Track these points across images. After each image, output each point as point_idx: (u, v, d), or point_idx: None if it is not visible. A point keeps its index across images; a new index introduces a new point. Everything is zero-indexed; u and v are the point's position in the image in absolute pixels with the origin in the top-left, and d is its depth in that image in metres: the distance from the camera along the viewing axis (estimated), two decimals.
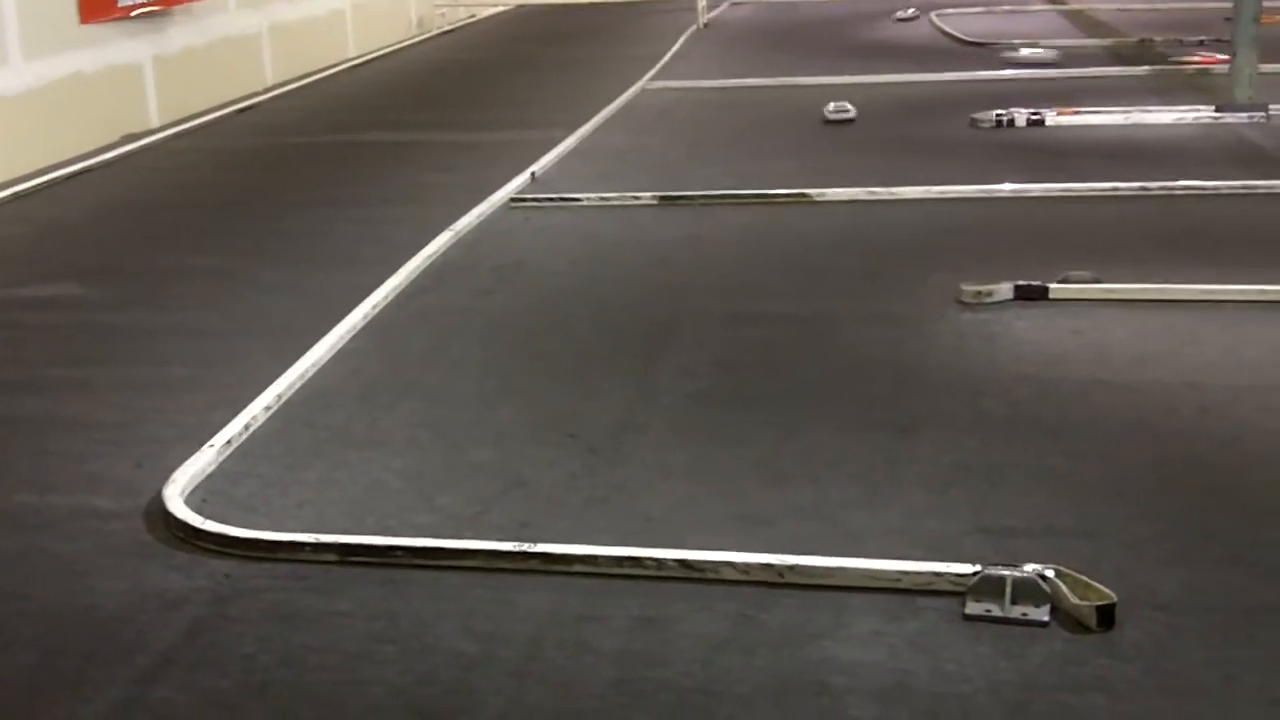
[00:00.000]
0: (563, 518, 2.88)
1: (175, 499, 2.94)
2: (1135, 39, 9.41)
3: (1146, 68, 8.25)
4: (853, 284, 4.43)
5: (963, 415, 3.34)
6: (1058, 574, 2.47)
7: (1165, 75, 8.04)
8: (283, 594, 2.61)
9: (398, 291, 4.42)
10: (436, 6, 12.08)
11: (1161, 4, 11.28)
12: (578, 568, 2.64)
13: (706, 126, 7.15)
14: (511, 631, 2.45)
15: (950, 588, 2.51)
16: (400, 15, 11.37)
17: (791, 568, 2.58)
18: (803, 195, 5.44)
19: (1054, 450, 3.13)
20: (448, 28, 12.10)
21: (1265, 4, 7.20)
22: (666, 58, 9.52)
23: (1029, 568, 2.49)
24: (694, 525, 2.82)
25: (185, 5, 7.81)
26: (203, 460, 3.14)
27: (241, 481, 3.11)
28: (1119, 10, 11.18)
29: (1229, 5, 7.28)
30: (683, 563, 2.61)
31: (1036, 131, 6.63)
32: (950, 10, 11.39)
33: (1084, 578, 2.46)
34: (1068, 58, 8.76)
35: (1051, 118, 6.72)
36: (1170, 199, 5.26)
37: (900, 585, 2.53)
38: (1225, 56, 7.99)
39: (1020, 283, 4.12)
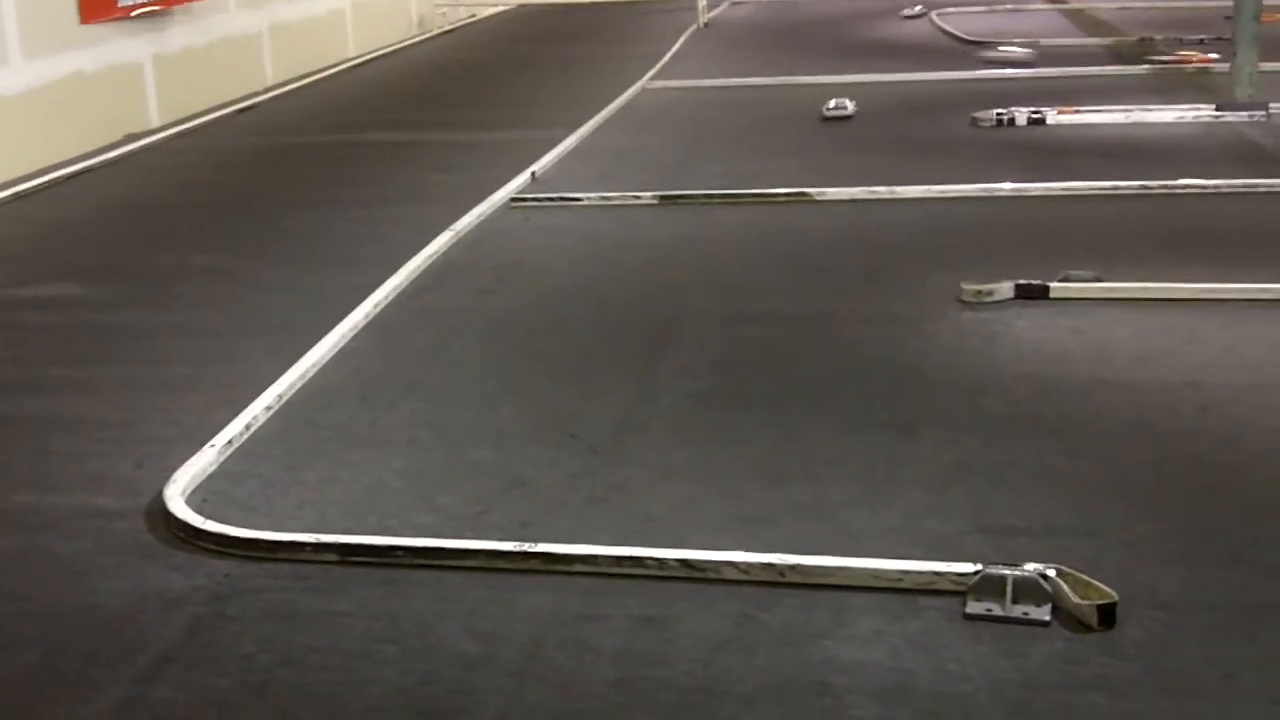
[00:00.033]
0: (563, 517, 2.88)
1: (176, 499, 2.94)
2: (1134, 38, 9.39)
3: (1138, 66, 8.25)
4: (853, 283, 4.43)
5: (963, 414, 3.34)
6: (1059, 573, 2.47)
7: (1165, 74, 8.04)
8: (283, 594, 2.61)
9: (398, 291, 4.42)
10: (437, 6, 12.08)
11: (1162, 2, 11.28)
12: (578, 567, 2.64)
13: (707, 126, 7.15)
14: (512, 631, 2.45)
15: (951, 587, 2.51)
16: (401, 15, 11.37)
17: (792, 567, 2.58)
18: (803, 194, 5.44)
19: (1054, 449, 3.13)
20: (448, 27, 12.10)
21: (1265, 2, 7.20)
22: (667, 57, 9.52)
23: (1030, 567, 2.49)
24: (694, 525, 2.82)
25: (185, 5, 7.81)
26: (204, 460, 3.14)
27: (242, 481, 3.11)
28: (1119, 9, 11.18)
29: (1229, 4, 7.27)
30: (683, 562, 2.61)
31: (1037, 130, 6.63)
32: (951, 9, 11.39)
33: (1085, 577, 2.46)
34: (1046, 56, 8.75)
35: (1052, 117, 6.72)
36: (1171, 198, 5.26)
37: (901, 585, 2.53)
38: (1215, 56, 8.02)
39: (1021, 282, 4.12)
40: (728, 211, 5.35)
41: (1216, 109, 6.71)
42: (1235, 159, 5.89)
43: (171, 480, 3.03)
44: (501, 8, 13.22)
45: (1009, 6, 11.61)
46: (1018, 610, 2.44)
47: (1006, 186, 5.44)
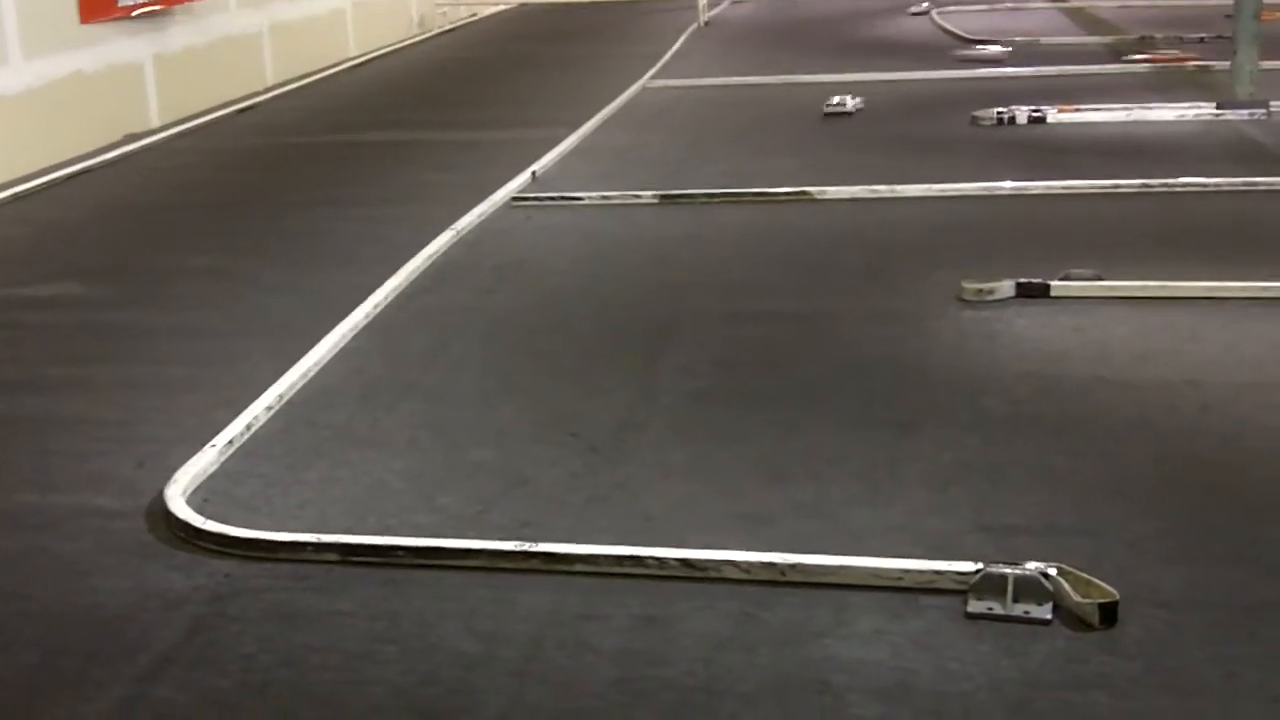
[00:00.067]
0: (564, 517, 2.88)
1: (177, 499, 2.94)
2: (1134, 36, 9.40)
3: (1126, 64, 8.25)
4: (854, 282, 4.43)
5: (964, 413, 3.34)
6: (1060, 572, 2.47)
7: (1166, 72, 8.03)
8: (284, 594, 2.61)
9: (399, 291, 4.42)
10: (438, 5, 12.08)
11: (1162, 1, 11.27)
12: (579, 567, 2.64)
13: (707, 125, 7.15)
14: (513, 631, 2.45)
15: (952, 586, 2.51)
16: (401, 14, 11.37)
17: (793, 566, 2.58)
18: (804, 193, 5.44)
19: (1055, 448, 3.13)
20: (449, 27, 12.10)
21: (1266, 1, 7.20)
22: (667, 56, 9.52)
23: (1031, 565, 2.49)
24: (695, 524, 2.82)
25: (186, 5, 7.81)
26: (204, 460, 3.14)
27: (243, 481, 3.11)
28: (1120, 7, 11.17)
29: (1229, 2, 7.27)
30: (684, 561, 2.61)
31: (1038, 129, 6.62)
32: (952, 7, 11.39)
33: (1086, 575, 2.46)
34: (1028, 55, 8.73)
35: (1053, 115, 6.72)
36: (1171, 196, 5.26)
37: (902, 584, 2.53)
38: (1194, 55, 8.06)
39: (1022, 280, 4.12)
40: (728, 210, 5.35)
41: (1217, 107, 6.71)
42: (1236, 157, 5.88)
43: (172, 480, 3.03)
44: (502, 7, 13.22)
45: (1009, 5, 11.60)
46: (1019, 609, 2.43)
47: (1007, 185, 5.44)
